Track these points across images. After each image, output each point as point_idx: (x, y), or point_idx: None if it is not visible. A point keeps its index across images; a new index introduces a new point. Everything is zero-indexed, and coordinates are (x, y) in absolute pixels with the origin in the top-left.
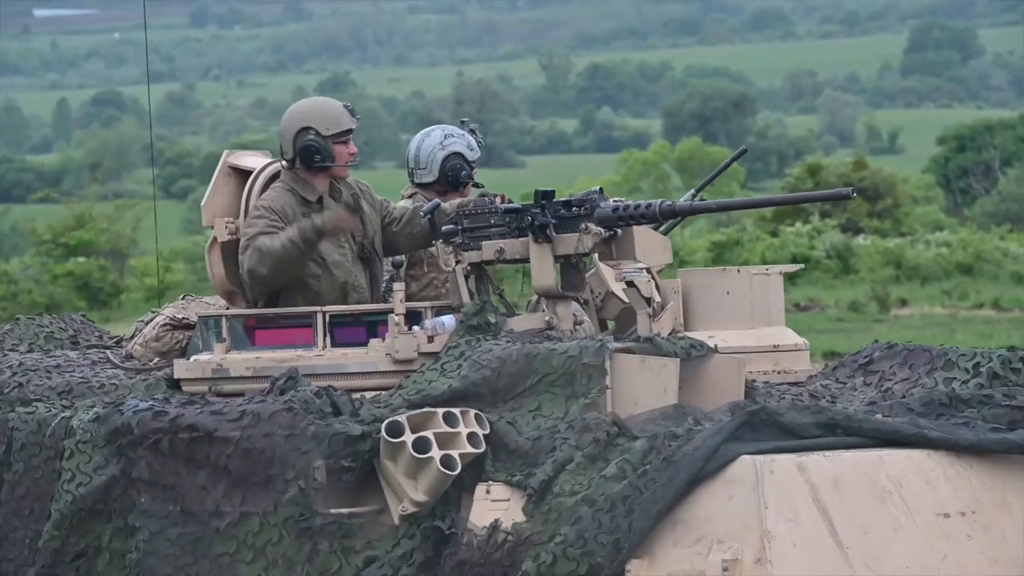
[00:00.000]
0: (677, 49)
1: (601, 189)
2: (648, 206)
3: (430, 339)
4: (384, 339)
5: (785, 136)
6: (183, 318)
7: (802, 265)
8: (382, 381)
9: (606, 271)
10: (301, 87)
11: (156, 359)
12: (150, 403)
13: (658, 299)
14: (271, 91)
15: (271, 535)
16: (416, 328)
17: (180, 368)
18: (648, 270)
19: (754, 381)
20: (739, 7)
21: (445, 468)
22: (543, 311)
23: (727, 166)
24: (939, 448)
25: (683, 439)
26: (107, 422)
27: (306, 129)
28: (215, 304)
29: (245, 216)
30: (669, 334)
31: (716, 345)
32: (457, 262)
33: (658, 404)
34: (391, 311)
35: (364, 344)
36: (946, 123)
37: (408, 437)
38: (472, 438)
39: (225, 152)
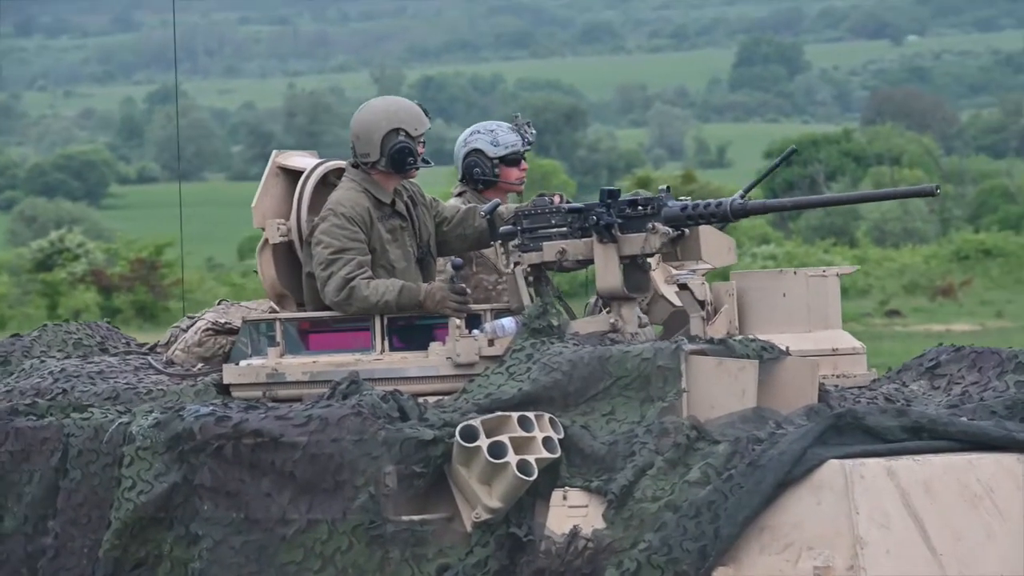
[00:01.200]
0: (509, 62)
1: (668, 188)
2: (719, 204)
3: (491, 343)
4: (444, 343)
5: (615, 149)
6: (226, 323)
7: (858, 267)
8: (443, 386)
9: (654, 273)
10: (130, 97)
11: (200, 364)
12: (211, 408)
13: (711, 302)
14: (98, 101)
15: (340, 543)
16: (476, 332)
17: (231, 373)
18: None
19: (824, 385)
20: (570, 20)
21: (522, 473)
22: (606, 313)
23: (777, 166)
24: None
25: (767, 443)
26: (167, 428)
27: (397, 131)
28: (257, 308)
29: (299, 214)
30: None
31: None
32: (516, 264)
33: (736, 407)
34: (477, 314)
35: (423, 348)
36: (773, 137)
37: (483, 442)
38: (547, 442)
39: (274, 152)
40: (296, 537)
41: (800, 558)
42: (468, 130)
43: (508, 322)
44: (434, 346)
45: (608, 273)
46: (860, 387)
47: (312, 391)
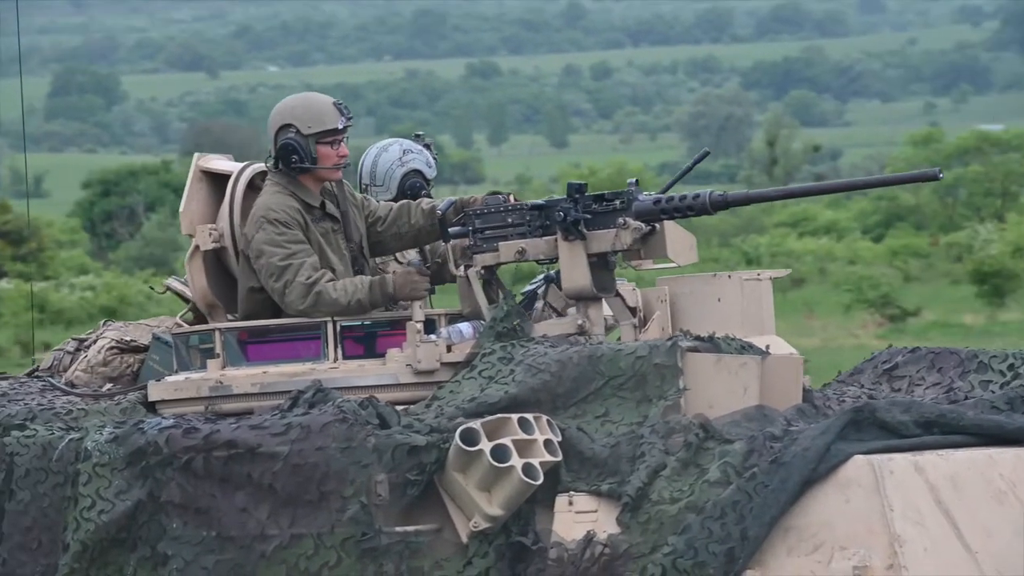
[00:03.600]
0: None
1: (637, 181)
2: (696, 197)
3: (449, 348)
4: (402, 349)
5: None
6: (131, 340)
7: (790, 270)
8: (403, 394)
9: None
10: None
11: (107, 385)
12: (174, 420)
13: (641, 308)
14: None
15: (327, 558)
16: (432, 336)
17: (160, 389)
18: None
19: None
20: None
21: (527, 477)
22: (570, 314)
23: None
24: None
25: (787, 440)
26: (127, 442)
27: (287, 127)
28: (159, 326)
29: (232, 219)
30: None
31: (767, 347)
32: (466, 266)
33: (736, 405)
34: (407, 319)
35: (372, 355)
36: (91, 168)
37: (485, 445)
38: (548, 445)
39: (196, 156)
40: (277, 554)
41: (833, 558)
42: (392, 150)
43: (465, 327)
44: (392, 352)
45: (575, 272)
46: (837, 386)
47: (263, 403)
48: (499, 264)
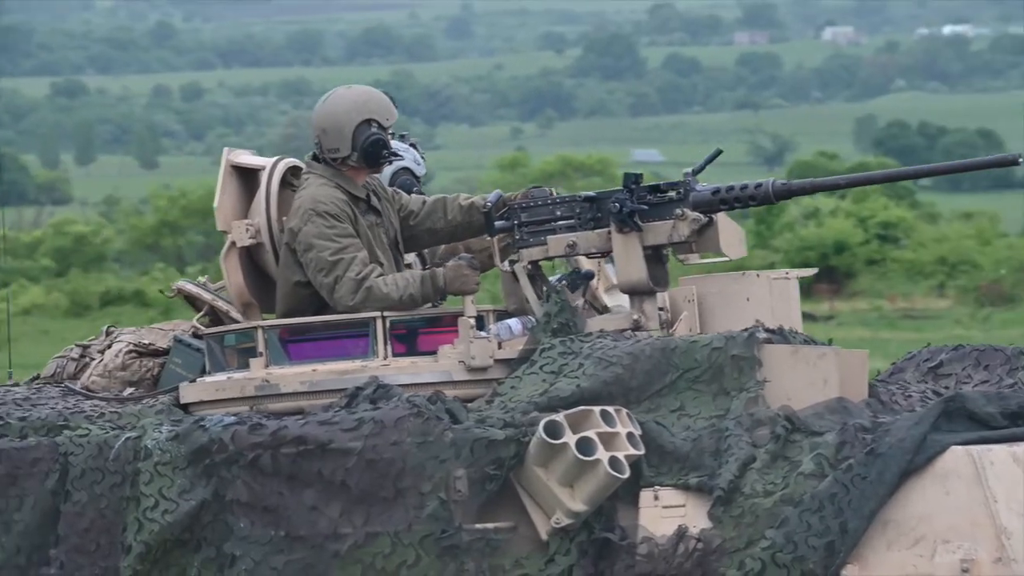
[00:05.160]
0: None
1: (692, 171)
2: (758, 186)
3: (500, 345)
4: (454, 345)
5: None
6: (149, 343)
7: (816, 269)
8: (455, 391)
9: (608, 272)
10: None
11: (128, 389)
12: (236, 417)
13: (667, 309)
14: None
15: (406, 556)
16: (483, 333)
17: (198, 390)
18: None
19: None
20: None
21: (614, 471)
22: (625, 310)
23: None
24: None
25: (880, 431)
26: (188, 439)
27: (369, 122)
28: (176, 329)
29: (269, 214)
30: None
31: (830, 341)
32: (511, 261)
33: (815, 398)
34: (447, 316)
35: (414, 353)
36: None
37: (570, 438)
38: (631, 438)
39: (225, 150)
40: (352, 553)
41: (936, 552)
42: None
43: (514, 323)
44: (445, 349)
45: (631, 265)
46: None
47: (313, 402)
48: (546, 259)
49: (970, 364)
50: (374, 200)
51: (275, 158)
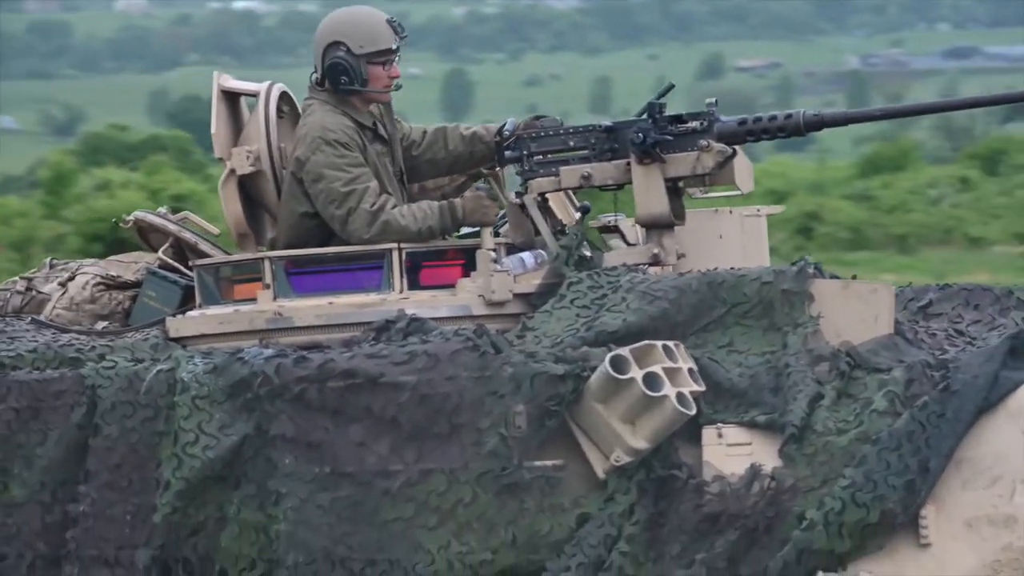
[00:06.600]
0: None
1: (716, 101)
2: (788, 116)
3: (515, 279)
4: (471, 278)
5: None
6: (117, 276)
7: (783, 207)
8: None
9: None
10: None
11: (99, 323)
12: (276, 349)
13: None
14: None
15: (462, 494)
16: (499, 266)
17: (198, 323)
18: None
19: None
20: None
21: (682, 407)
22: (645, 244)
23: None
24: None
25: (950, 368)
26: (227, 372)
27: (336, 44)
28: (138, 263)
29: (269, 140)
30: None
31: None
32: (518, 193)
33: (867, 334)
34: (476, 248)
35: (417, 287)
36: None
37: (637, 373)
38: (692, 374)
39: (215, 74)
40: (403, 491)
41: (1016, 492)
42: None
43: (527, 256)
44: (464, 282)
45: (652, 198)
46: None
47: (329, 336)
48: (558, 190)
49: (960, 303)
50: (380, 129)
51: (267, 83)
